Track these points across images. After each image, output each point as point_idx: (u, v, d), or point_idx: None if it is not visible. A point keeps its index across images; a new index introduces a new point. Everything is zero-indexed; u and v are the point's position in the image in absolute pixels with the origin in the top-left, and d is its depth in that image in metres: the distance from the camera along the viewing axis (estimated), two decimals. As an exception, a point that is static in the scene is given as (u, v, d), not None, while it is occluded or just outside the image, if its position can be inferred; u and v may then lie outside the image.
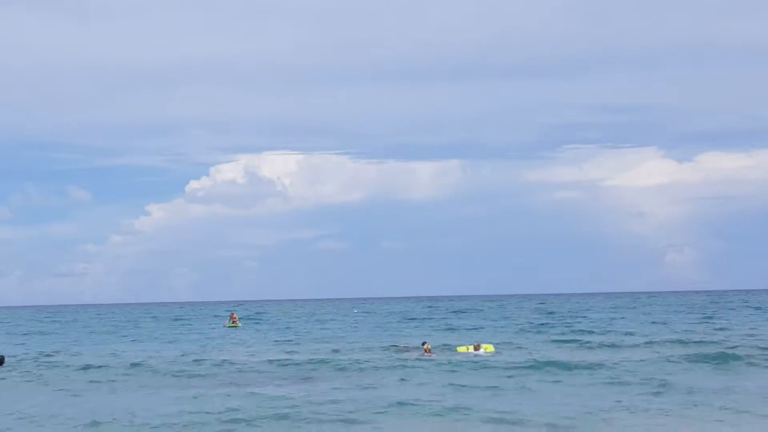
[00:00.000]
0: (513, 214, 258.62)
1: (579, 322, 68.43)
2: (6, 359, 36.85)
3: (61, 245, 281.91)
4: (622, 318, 75.73)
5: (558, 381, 28.29)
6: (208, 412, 22.22)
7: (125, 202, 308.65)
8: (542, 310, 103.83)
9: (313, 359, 37.51)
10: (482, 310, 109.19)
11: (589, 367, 31.63)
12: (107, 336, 63.91)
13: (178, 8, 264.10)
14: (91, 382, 30.72)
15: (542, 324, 66.51)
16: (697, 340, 44.99)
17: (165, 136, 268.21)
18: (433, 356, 39.02)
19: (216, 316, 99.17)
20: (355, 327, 71.13)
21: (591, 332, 54.52)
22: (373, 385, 27.93)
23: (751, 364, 32.76)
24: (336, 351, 42.40)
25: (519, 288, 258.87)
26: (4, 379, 31.75)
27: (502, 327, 64.72)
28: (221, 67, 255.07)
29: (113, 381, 30.66)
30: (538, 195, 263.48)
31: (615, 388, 26.21)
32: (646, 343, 43.84)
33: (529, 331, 57.03)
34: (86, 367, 35.29)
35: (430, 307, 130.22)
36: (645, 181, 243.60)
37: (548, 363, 32.87)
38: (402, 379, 29.36)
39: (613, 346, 42.70)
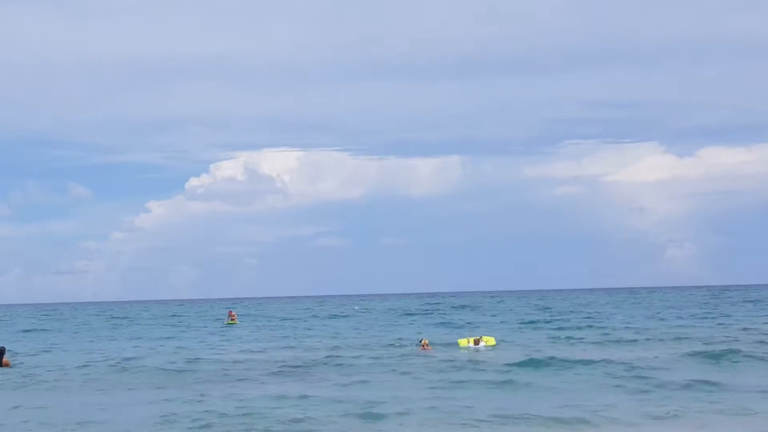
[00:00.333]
0: (513, 209, 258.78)
1: (578, 318, 68.36)
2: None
3: (62, 243, 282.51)
4: (622, 314, 75.68)
5: (555, 378, 28.12)
6: (175, 413, 21.82)
7: (125, 199, 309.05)
8: (542, 306, 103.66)
9: (306, 357, 37.45)
10: (481, 306, 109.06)
11: (587, 363, 31.50)
12: (102, 334, 63.71)
13: (177, 5, 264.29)
14: (72, 380, 30.46)
15: (541, 320, 66.39)
16: (696, 336, 44.90)
17: (165, 133, 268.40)
18: (431, 351, 38.88)
19: (205, 316, 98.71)
20: (355, 324, 70.98)
21: (589, 327, 54.45)
22: (365, 383, 27.81)
23: (750, 358, 32.65)
24: (332, 348, 42.30)
25: (519, 284, 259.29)
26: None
27: (501, 323, 64.64)
28: (221, 64, 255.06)
29: (96, 380, 30.34)
30: (538, 190, 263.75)
31: (611, 386, 26.06)
32: (645, 339, 43.75)
33: (528, 328, 56.90)
34: (75, 366, 35.12)
35: (429, 303, 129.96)
36: (645, 176, 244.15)
37: (546, 360, 32.73)
38: (397, 376, 29.20)
39: (611, 342, 42.59)
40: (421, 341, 40.80)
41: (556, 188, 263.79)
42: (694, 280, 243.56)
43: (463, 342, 41.46)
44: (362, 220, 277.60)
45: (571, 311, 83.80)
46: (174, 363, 35.56)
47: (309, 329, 62.75)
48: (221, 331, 61.70)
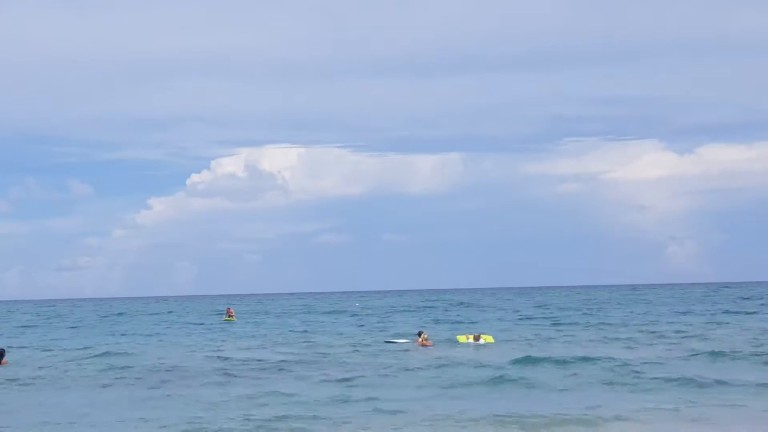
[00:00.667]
0: (514, 206, 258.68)
1: (577, 315, 68.30)
2: None
3: (63, 239, 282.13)
4: (622, 311, 75.62)
5: (553, 375, 28.02)
6: (151, 414, 21.70)
7: (127, 195, 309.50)
8: (541, 302, 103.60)
9: (303, 354, 37.41)
10: (481, 302, 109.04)
11: (586, 360, 31.41)
12: (95, 331, 63.50)
13: (178, 2, 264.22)
14: (52, 378, 30.20)
15: (540, 317, 66.31)
16: (692, 334, 44.79)
17: (166, 129, 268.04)
18: (431, 346, 38.79)
19: (203, 313, 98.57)
20: (354, 320, 70.86)
21: (588, 325, 54.33)
22: (363, 379, 27.73)
23: (744, 357, 32.59)
24: (330, 345, 42.19)
25: (520, 281, 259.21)
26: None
27: (499, 320, 64.57)
28: (222, 61, 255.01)
29: (75, 378, 30.13)
30: (539, 188, 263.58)
31: (609, 383, 25.99)
32: (643, 336, 43.65)
33: (527, 324, 56.81)
34: (59, 363, 34.93)
35: (429, 299, 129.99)
36: (646, 173, 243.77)
37: (545, 357, 32.68)
38: (394, 372, 29.01)
39: (610, 339, 42.55)
40: (419, 334, 40.69)
41: (556, 185, 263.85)
42: (694, 278, 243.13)
43: (462, 339, 41.35)
44: (363, 217, 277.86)
45: (571, 308, 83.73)
46: (161, 361, 35.18)
47: (308, 326, 62.57)
48: (218, 328, 61.43)
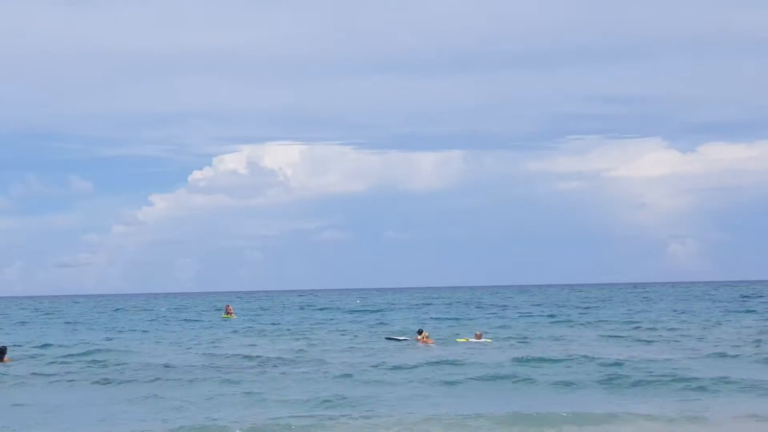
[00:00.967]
0: (515, 204, 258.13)
1: (578, 313, 68.19)
2: None
3: (63, 236, 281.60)
4: (623, 309, 75.47)
5: (553, 373, 27.83)
6: (126, 415, 21.52)
7: (128, 192, 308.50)
8: (543, 301, 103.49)
9: (302, 351, 37.21)
10: (482, 300, 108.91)
11: (586, 358, 31.19)
12: (90, 327, 63.16)
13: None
14: (41, 375, 30.01)
15: (541, 315, 66.18)
16: (693, 332, 44.60)
17: (167, 126, 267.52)
18: (431, 344, 38.69)
19: (204, 310, 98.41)
20: (354, 317, 70.71)
21: (589, 323, 54.18)
22: (361, 376, 27.52)
23: (745, 356, 32.45)
24: (329, 342, 42.02)
25: (521, 279, 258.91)
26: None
27: (501, 317, 64.44)
28: (224, 57, 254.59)
29: (62, 374, 29.94)
30: (541, 185, 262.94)
31: (609, 382, 25.84)
32: (642, 334, 43.46)
33: (529, 323, 56.69)
34: (52, 361, 34.76)
35: (431, 297, 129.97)
36: (648, 171, 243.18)
37: (545, 356, 32.48)
38: (392, 369, 28.80)
39: (609, 337, 42.40)
40: (420, 332, 40.58)
41: (558, 183, 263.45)
42: (695, 276, 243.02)
43: (461, 340, 41.17)
44: (365, 214, 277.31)
45: (571, 306, 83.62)
46: (154, 358, 34.85)
47: (307, 323, 62.35)
48: (216, 326, 61.09)
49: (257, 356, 35.01)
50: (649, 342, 39.58)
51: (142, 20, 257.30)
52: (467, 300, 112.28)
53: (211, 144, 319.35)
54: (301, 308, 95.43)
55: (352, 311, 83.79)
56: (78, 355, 37.57)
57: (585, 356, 32.12)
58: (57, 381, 28.75)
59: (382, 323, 60.31)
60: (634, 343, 38.94)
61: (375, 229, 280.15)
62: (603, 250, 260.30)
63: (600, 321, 56.71)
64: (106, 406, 23.15)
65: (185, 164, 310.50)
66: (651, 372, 27.40)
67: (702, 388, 24.31)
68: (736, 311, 66.96)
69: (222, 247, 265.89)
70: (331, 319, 67.74)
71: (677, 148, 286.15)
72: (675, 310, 70.35)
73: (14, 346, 41.06)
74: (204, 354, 37.01)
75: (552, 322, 56.31)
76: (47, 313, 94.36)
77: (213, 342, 44.63)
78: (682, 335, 42.92)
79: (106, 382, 28.01)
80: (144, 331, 56.54)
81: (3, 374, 29.74)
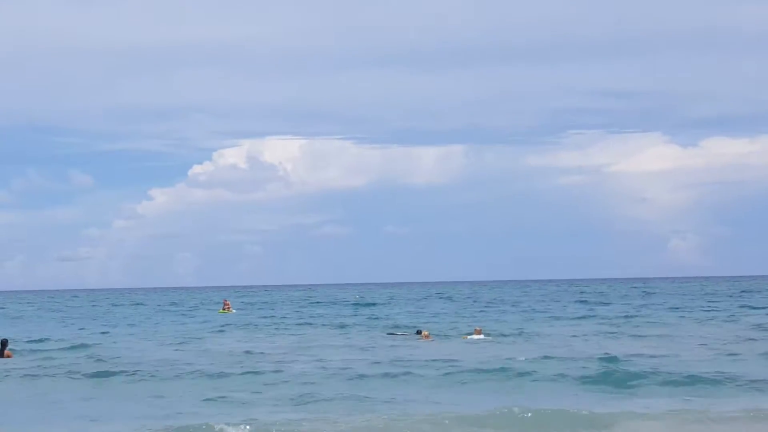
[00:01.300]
0: (516, 199, 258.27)
1: (578, 309, 68.11)
2: None
3: (64, 230, 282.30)
4: (623, 305, 75.23)
5: (552, 370, 27.40)
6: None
7: (128, 186, 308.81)
8: (544, 295, 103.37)
9: (296, 347, 36.93)
10: (483, 295, 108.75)
11: (585, 356, 30.79)
12: (85, 322, 62.85)
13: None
14: (28, 370, 29.68)
15: (542, 311, 66.08)
16: (694, 328, 44.40)
17: (168, 120, 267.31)
18: (431, 340, 38.55)
19: (202, 305, 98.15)
20: (354, 311, 70.50)
21: (588, 319, 53.94)
22: (360, 373, 27.10)
23: (748, 352, 32.12)
24: (328, 336, 41.72)
25: (522, 273, 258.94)
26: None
27: (502, 312, 64.32)
28: (224, 51, 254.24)
29: (46, 368, 29.71)
30: (542, 180, 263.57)
31: (608, 379, 25.52)
32: (643, 331, 43.20)
33: (529, 318, 56.51)
34: (42, 356, 34.53)
35: (431, 292, 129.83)
36: (649, 166, 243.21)
37: (545, 353, 32.08)
38: (391, 366, 28.44)
39: (608, 333, 42.10)
40: (419, 332, 40.41)
41: (559, 178, 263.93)
42: (697, 271, 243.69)
43: (461, 334, 40.97)
44: (365, 209, 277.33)
45: (572, 301, 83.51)
46: (147, 354, 34.46)
47: (306, 318, 62.06)
48: (213, 320, 60.72)
49: (252, 352, 34.66)
50: (649, 338, 39.31)
51: (143, 14, 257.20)
52: (467, 295, 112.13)
53: (211, 138, 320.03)
54: (300, 303, 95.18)
55: (351, 306, 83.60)
56: (72, 349, 37.37)
57: (585, 352, 31.89)
58: (50, 376, 28.40)
59: (380, 318, 60.13)
60: (634, 339, 38.68)
61: (375, 224, 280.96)
62: (604, 245, 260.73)
63: (600, 316, 56.47)
64: (98, 403, 22.97)
65: (185, 158, 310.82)
66: (651, 368, 27.09)
67: (702, 385, 24.11)
68: (736, 306, 66.82)
69: (222, 241, 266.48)
70: (330, 314, 67.50)
71: (678, 142, 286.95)
72: (675, 306, 70.11)
73: (12, 340, 40.80)
74: (198, 349, 36.69)
75: (552, 318, 56.07)
76: (45, 308, 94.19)
77: (209, 337, 44.33)
78: (681, 331, 42.69)
79: (100, 377, 27.67)
80: (140, 325, 56.30)
81: (3, 370, 29.49)
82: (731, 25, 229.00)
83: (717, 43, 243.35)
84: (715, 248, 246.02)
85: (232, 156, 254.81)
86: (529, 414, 19.72)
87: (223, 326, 53.08)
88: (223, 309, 72.42)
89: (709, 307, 68.64)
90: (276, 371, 28.30)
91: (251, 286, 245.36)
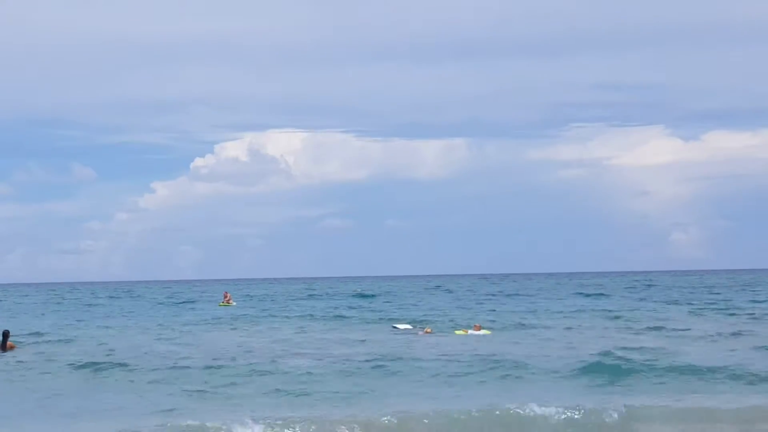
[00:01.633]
0: (518, 192, 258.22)
1: (581, 302, 67.97)
2: None
3: (66, 223, 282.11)
4: (623, 301, 74.99)
5: (551, 368, 27.32)
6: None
7: (130, 179, 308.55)
8: (545, 290, 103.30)
9: (295, 341, 36.72)
10: (483, 290, 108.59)
11: (585, 352, 30.58)
12: (79, 314, 62.60)
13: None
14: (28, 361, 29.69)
15: (543, 308, 65.85)
16: (695, 323, 44.33)
17: (169, 113, 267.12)
18: (431, 334, 38.51)
19: (202, 297, 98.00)
20: (355, 304, 70.39)
21: (590, 313, 53.82)
22: (358, 371, 26.95)
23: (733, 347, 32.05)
24: (327, 330, 41.61)
25: (523, 267, 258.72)
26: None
27: (503, 305, 64.21)
28: (226, 44, 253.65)
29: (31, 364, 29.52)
30: (543, 173, 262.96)
31: (608, 376, 25.35)
32: (645, 326, 43.07)
33: (529, 313, 56.32)
34: (37, 349, 34.49)
35: (432, 285, 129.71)
36: (651, 159, 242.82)
37: (543, 351, 32.11)
38: (386, 364, 28.29)
39: (605, 330, 41.89)
40: (423, 329, 40.35)
41: (560, 171, 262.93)
42: (698, 264, 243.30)
43: (460, 332, 40.79)
44: (367, 202, 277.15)
45: (573, 295, 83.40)
46: (140, 348, 34.10)
47: (306, 311, 61.82)
48: (212, 313, 60.49)
49: (250, 346, 34.55)
50: (649, 331, 39.21)
51: (144, 7, 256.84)
52: (468, 288, 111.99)
53: (213, 131, 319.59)
54: (302, 296, 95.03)
55: (351, 299, 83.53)
56: (66, 342, 37.30)
57: (584, 346, 31.83)
58: (42, 369, 28.30)
59: (381, 311, 59.97)
60: (633, 333, 38.55)
61: (377, 217, 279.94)
62: (605, 239, 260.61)
63: (600, 310, 56.30)
64: (87, 397, 22.94)
65: (187, 151, 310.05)
66: (651, 362, 26.97)
67: (702, 379, 24.11)
68: (738, 299, 66.72)
69: (223, 234, 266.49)
70: (330, 307, 67.34)
71: (680, 136, 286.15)
72: (675, 299, 69.99)
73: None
74: (195, 342, 36.52)
75: (553, 312, 55.86)
76: (40, 301, 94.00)
77: (207, 330, 44.22)
78: (681, 324, 42.54)
79: (91, 369, 27.58)
80: (137, 318, 55.95)
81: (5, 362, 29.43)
82: (734, 18, 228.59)
83: (719, 37, 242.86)
84: (717, 242, 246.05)
85: (234, 149, 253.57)
86: (527, 411, 19.62)
87: (222, 319, 52.95)
88: (225, 302, 72.23)
89: (710, 300, 68.53)
90: (273, 364, 28.22)
91: (253, 279, 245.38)
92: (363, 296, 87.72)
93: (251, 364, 28.52)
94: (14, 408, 21.62)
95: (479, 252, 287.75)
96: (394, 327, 42.83)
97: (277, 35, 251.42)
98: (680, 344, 33.41)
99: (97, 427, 19.25)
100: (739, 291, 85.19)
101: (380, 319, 51.00)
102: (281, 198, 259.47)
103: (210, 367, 27.61)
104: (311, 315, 56.03)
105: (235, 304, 72.10)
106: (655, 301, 67.83)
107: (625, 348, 31.39)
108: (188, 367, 27.82)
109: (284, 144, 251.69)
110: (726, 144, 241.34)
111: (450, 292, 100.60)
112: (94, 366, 28.32)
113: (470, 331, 39.71)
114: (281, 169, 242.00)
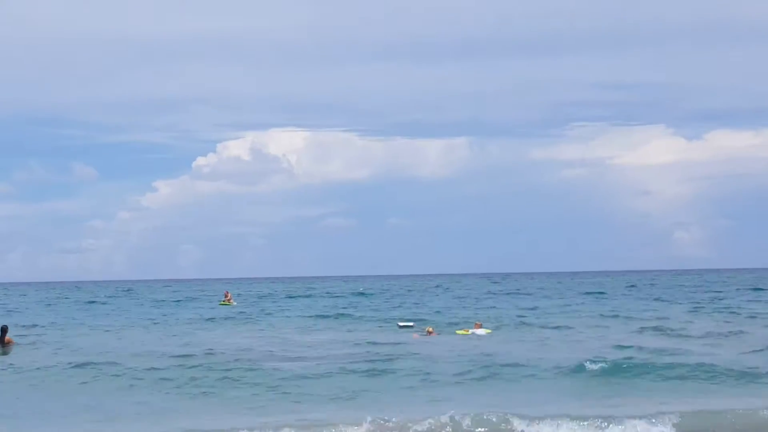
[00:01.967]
0: (520, 191, 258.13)
1: (583, 303, 67.80)
2: None
3: (67, 222, 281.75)
4: (624, 300, 74.83)
5: (551, 367, 27.11)
6: None
7: (132, 178, 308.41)
8: (546, 289, 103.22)
9: (295, 341, 36.56)
10: (484, 289, 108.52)
11: (585, 353, 30.49)
12: (73, 314, 62.45)
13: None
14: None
15: (543, 306, 65.80)
16: (697, 321, 44.16)
17: (171, 112, 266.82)
18: (433, 335, 38.41)
19: (202, 296, 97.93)
20: (356, 304, 70.34)
21: (591, 313, 53.70)
22: (353, 369, 26.85)
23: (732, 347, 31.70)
24: (326, 329, 41.50)
25: (525, 266, 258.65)
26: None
27: (505, 302, 64.15)
28: (228, 43, 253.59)
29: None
30: (544, 173, 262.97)
31: (609, 376, 25.22)
32: (648, 325, 42.95)
33: (530, 312, 56.22)
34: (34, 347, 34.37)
35: (434, 284, 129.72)
36: (653, 159, 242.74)
37: (540, 351, 31.89)
38: (386, 364, 28.18)
39: (605, 328, 41.82)
40: (425, 329, 40.25)
41: (563, 171, 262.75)
42: (701, 263, 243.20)
43: (461, 331, 40.70)
44: (368, 201, 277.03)
45: (575, 294, 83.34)
46: (138, 347, 34.05)
47: (308, 311, 61.73)
48: (212, 313, 60.34)
49: (251, 346, 34.37)
50: (652, 331, 39.11)
51: (146, 6, 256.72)
52: (470, 287, 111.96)
53: (215, 130, 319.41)
54: (303, 295, 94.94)
55: (353, 298, 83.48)
56: (60, 341, 37.20)
57: (586, 345, 31.77)
58: (32, 369, 28.10)
59: (382, 310, 59.93)
60: (636, 332, 38.44)
61: (379, 216, 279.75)
62: (606, 238, 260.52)
63: (602, 309, 56.22)
64: (73, 398, 22.85)
65: (189, 151, 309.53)
66: (654, 362, 26.90)
67: (703, 378, 24.09)
68: (741, 299, 66.60)
69: (226, 233, 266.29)
70: (334, 306, 67.26)
71: (682, 135, 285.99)
72: (678, 299, 69.89)
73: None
74: (193, 342, 36.34)
75: (555, 311, 55.80)
76: (38, 300, 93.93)
77: (205, 329, 44.11)
78: (683, 323, 42.44)
79: (81, 370, 27.44)
80: (137, 317, 55.93)
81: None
82: (736, 17, 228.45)
83: (722, 36, 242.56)
84: (718, 241, 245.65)
85: (236, 148, 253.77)
86: (531, 413, 19.50)
87: (221, 318, 52.88)
88: (225, 301, 72.11)
89: (712, 299, 68.41)
90: (272, 364, 28.09)
91: (255, 278, 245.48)
92: (364, 295, 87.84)
93: (250, 363, 28.41)
94: (11, 407, 21.53)
95: (481, 251, 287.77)
96: (400, 326, 42.76)
97: (278, 34, 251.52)
98: (681, 343, 33.31)
99: (95, 428, 19.18)
100: (740, 290, 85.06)
101: (381, 318, 50.90)
102: (283, 197, 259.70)
103: (209, 367, 27.47)
104: (311, 314, 55.94)
105: (235, 303, 72.00)
106: (656, 300, 67.75)
107: (625, 347, 31.30)
108: (186, 367, 27.69)
109: (286, 143, 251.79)
110: (728, 143, 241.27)
111: (452, 291, 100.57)
112: (91, 365, 28.20)
113: (471, 331, 39.62)
114: (283, 168, 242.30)
